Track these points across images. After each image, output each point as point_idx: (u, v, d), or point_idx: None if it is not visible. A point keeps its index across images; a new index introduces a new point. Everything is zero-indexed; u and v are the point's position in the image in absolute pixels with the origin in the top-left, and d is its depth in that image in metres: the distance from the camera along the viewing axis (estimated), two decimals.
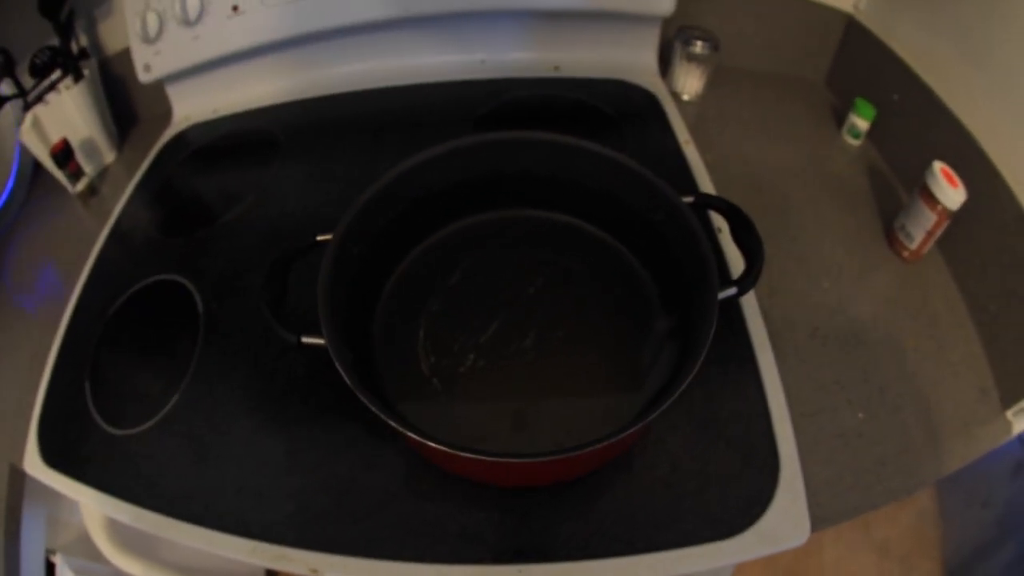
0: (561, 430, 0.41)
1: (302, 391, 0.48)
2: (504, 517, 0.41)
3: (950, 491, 1.02)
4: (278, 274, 0.43)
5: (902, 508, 1.01)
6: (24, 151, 0.71)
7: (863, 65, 0.74)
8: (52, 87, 0.69)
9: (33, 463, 0.49)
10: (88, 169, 0.71)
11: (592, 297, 0.49)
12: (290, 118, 0.71)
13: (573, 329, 0.47)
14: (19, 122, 0.68)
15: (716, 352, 0.46)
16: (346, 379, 0.36)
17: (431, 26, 0.70)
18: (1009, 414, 0.53)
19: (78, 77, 0.69)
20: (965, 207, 0.56)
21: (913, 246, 0.60)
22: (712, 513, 0.41)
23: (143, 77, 0.68)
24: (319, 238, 0.44)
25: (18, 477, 0.53)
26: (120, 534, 0.55)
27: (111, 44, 0.74)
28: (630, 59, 0.73)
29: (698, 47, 0.71)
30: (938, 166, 0.57)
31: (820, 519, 0.43)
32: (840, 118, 0.72)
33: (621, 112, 0.68)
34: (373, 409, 0.35)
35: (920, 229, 0.59)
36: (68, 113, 0.69)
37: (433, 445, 0.33)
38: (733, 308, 0.50)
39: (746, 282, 0.39)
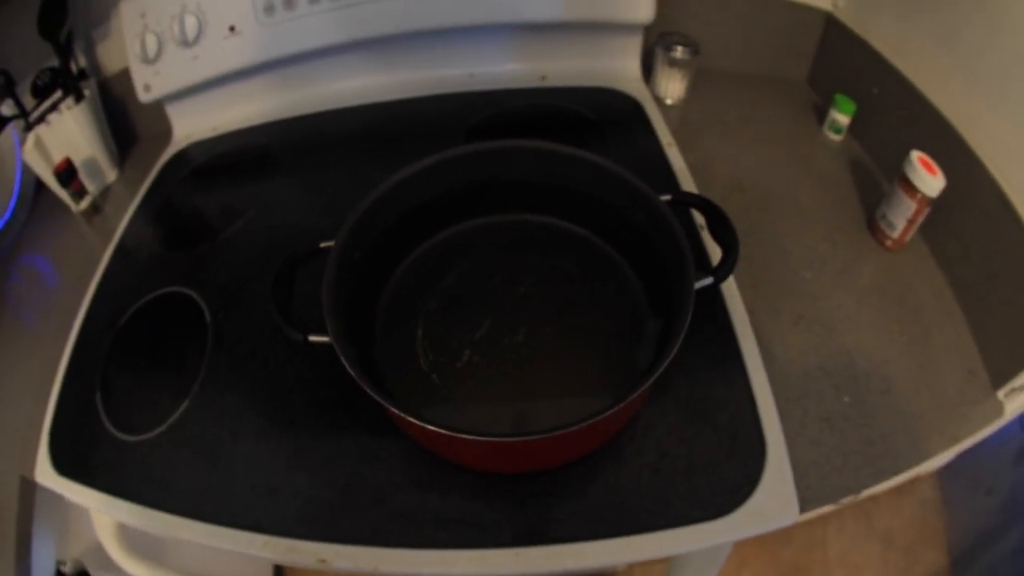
0: (552, 416, 0.45)
1: (307, 392, 0.51)
2: (501, 504, 0.44)
3: (952, 479, 1.04)
4: (285, 279, 0.47)
5: (904, 498, 1.03)
6: (26, 171, 0.75)
7: (843, 61, 0.77)
8: (54, 107, 0.72)
9: (45, 472, 0.52)
10: (91, 188, 0.75)
11: (580, 295, 0.53)
12: (287, 134, 0.76)
13: (561, 325, 0.51)
14: (21, 142, 0.72)
15: (701, 342, 0.51)
16: (351, 372, 0.40)
17: (421, 42, 0.74)
18: (1000, 394, 0.55)
19: (79, 97, 0.73)
20: (946, 194, 0.59)
21: (895, 235, 0.64)
22: (700, 495, 0.44)
23: (143, 97, 0.72)
24: (322, 244, 0.48)
25: (29, 489, 0.56)
26: (130, 541, 0.58)
27: (110, 64, 0.78)
28: (614, 66, 0.77)
29: (679, 52, 0.75)
30: (916, 155, 0.59)
31: (808, 500, 0.46)
32: (822, 115, 0.76)
33: (605, 118, 0.72)
34: (376, 397, 0.39)
35: (901, 217, 0.62)
36: (70, 133, 0.73)
37: (433, 429, 0.37)
38: (716, 300, 0.53)
39: (722, 271, 0.43)
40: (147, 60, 0.70)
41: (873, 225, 0.65)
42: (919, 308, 0.60)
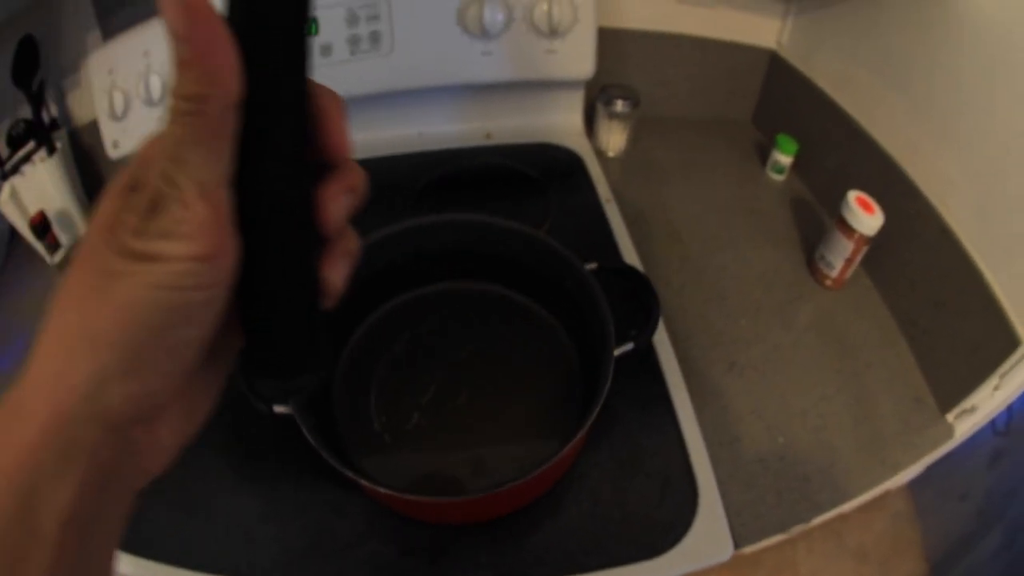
0: (491, 475, 0.51)
1: (277, 452, 0.57)
2: (454, 552, 0.50)
3: (922, 490, 1.08)
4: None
5: (873, 513, 1.08)
6: (0, 220, 0.80)
7: (787, 100, 0.82)
8: (27, 159, 0.77)
9: None
10: (64, 240, 0.80)
11: (519, 360, 0.59)
12: None
13: (499, 388, 0.57)
14: None
15: (635, 395, 0.57)
16: (311, 441, 0.46)
17: (370, 105, 0.79)
18: (950, 417, 0.60)
19: (51, 150, 0.78)
20: (888, 229, 0.63)
21: (834, 274, 0.69)
22: (635, 537, 0.50)
23: (112, 154, 0.77)
24: None
25: None
26: None
27: (81, 115, 0.82)
28: (557, 121, 0.83)
29: (619, 106, 0.79)
30: (852, 195, 0.64)
31: (744, 537, 0.52)
32: (766, 155, 0.81)
33: (547, 174, 0.78)
34: (333, 464, 0.44)
35: (839, 257, 0.67)
36: (43, 185, 0.77)
37: (383, 491, 0.43)
38: (650, 353, 0.59)
39: (642, 337, 0.49)
40: (115, 117, 0.75)
41: (812, 265, 0.71)
42: (859, 344, 0.65)
